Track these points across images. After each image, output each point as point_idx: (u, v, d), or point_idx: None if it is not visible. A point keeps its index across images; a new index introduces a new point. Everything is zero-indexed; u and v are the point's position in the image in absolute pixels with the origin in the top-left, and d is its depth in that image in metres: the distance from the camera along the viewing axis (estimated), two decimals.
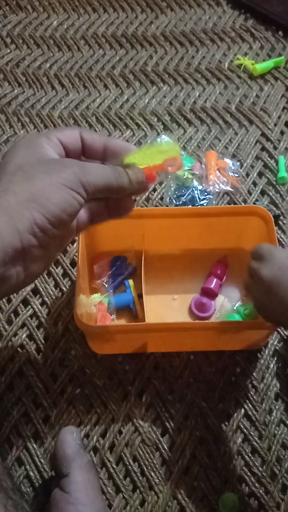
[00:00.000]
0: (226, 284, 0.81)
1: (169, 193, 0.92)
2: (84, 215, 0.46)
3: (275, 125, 1.03)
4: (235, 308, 0.78)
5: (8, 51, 1.15)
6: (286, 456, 0.69)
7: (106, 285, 0.80)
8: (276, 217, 0.89)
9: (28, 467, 0.69)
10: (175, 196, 0.92)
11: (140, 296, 0.77)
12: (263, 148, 0.99)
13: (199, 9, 1.22)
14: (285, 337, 0.77)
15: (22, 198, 0.39)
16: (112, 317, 0.77)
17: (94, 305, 0.77)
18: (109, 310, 0.77)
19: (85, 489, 0.58)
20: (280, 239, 0.87)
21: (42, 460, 0.69)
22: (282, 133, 1.02)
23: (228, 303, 0.79)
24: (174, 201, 0.91)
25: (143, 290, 0.76)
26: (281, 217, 0.89)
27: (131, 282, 0.78)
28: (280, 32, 1.18)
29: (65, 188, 0.41)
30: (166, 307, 0.79)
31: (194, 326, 0.72)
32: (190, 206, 0.90)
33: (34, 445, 0.70)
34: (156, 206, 0.92)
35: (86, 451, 0.65)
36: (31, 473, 0.69)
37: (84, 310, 0.74)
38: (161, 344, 0.75)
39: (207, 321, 0.77)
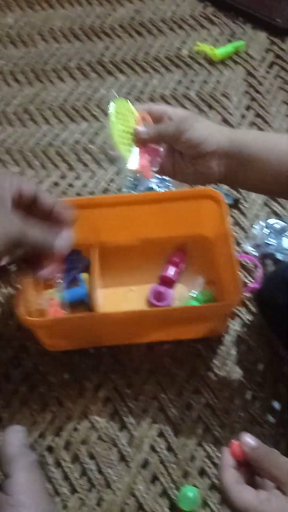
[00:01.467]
0: (186, 271, 0.78)
1: (126, 183, 0.89)
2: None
3: (236, 109, 1.00)
4: (194, 296, 0.75)
5: None
6: None
7: (60, 280, 0.77)
8: (236, 201, 0.87)
9: None
10: (132, 186, 0.89)
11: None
12: None
13: None
14: (248, 322, 0.74)
15: None
16: (64, 313, 0.73)
17: (46, 301, 0.74)
18: (63, 305, 0.74)
19: (29, 491, 0.55)
20: (241, 222, 0.84)
21: None
22: (243, 116, 0.99)
23: (187, 291, 0.76)
24: (132, 191, 0.88)
25: (99, 283, 0.73)
26: (241, 200, 0.87)
27: (84, 275, 0.75)
28: (240, 18, 1.16)
29: None
30: (124, 299, 0.76)
31: (143, 314, 0.69)
32: None
33: None
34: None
35: (31, 451, 0.62)
36: None
37: (34, 307, 0.71)
38: (116, 336, 0.72)
39: (156, 308, 0.73)
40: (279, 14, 1.15)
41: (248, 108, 1.01)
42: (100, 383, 0.71)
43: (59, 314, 0.73)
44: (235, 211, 0.86)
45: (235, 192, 0.88)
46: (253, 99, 1.02)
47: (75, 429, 0.68)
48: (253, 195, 0.88)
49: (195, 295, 0.75)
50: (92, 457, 0.66)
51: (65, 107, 1.01)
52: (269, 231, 0.81)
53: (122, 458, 0.66)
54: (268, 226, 0.82)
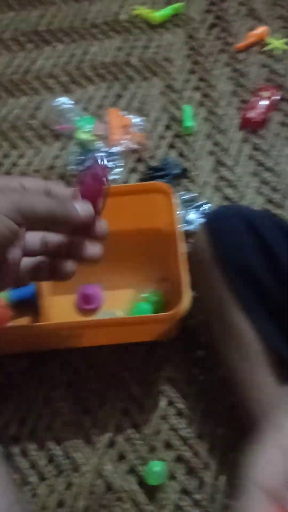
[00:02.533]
0: (138, 269, 0.74)
1: (72, 158, 0.86)
2: (27, 265, 0.42)
3: (179, 73, 0.98)
4: (145, 296, 0.73)
5: None
6: (211, 413, 0.66)
7: None
8: (184, 170, 0.85)
9: None
10: (78, 161, 0.86)
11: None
12: (169, 100, 0.94)
13: None
14: None
15: None
16: (11, 314, 0.71)
17: None
18: (10, 305, 0.71)
19: None
20: (192, 188, 0.83)
21: None
22: (186, 81, 0.97)
23: (137, 294, 0.73)
24: (78, 166, 0.86)
25: (44, 284, 0.70)
26: (189, 169, 0.85)
27: None
28: None
29: None
30: (72, 300, 0.74)
31: (78, 325, 0.66)
32: None
33: None
34: (61, 173, 0.86)
35: None
36: None
37: None
38: (63, 341, 0.69)
39: (101, 319, 0.70)
40: None
41: (191, 72, 0.98)
42: (60, 368, 0.70)
43: (6, 317, 0.70)
44: (185, 180, 0.85)
45: (183, 160, 0.87)
46: (196, 62, 0.99)
47: (39, 416, 0.67)
48: (201, 162, 0.87)
49: (145, 296, 0.73)
50: (58, 442, 0.66)
51: (2, 81, 0.96)
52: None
53: (88, 440, 0.66)
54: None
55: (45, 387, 0.69)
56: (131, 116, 0.91)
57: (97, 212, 0.43)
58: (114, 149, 0.87)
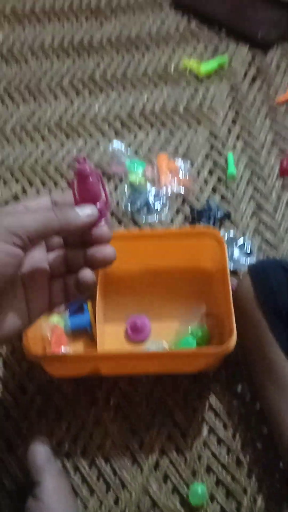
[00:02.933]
0: (184, 303, 0.81)
1: (124, 198, 0.94)
2: (57, 288, 0.44)
3: (223, 123, 1.06)
4: (189, 331, 0.78)
5: None
6: (249, 442, 0.72)
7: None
8: (228, 215, 0.92)
9: (3, 477, 0.71)
10: (130, 201, 0.94)
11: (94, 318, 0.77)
12: (212, 147, 1.02)
13: (142, 14, 1.25)
14: None
15: None
16: (67, 340, 0.77)
17: (49, 328, 0.77)
18: (66, 333, 0.77)
19: (57, 495, 0.60)
20: (233, 234, 0.90)
21: (16, 470, 0.71)
22: (229, 130, 1.05)
23: (185, 325, 0.78)
24: (129, 206, 0.94)
25: (101, 312, 0.76)
26: (232, 213, 0.93)
27: (89, 304, 0.79)
28: (223, 31, 1.21)
29: None
30: (122, 329, 0.80)
31: (137, 356, 0.72)
32: (145, 210, 0.93)
33: (8, 457, 0.72)
34: (112, 211, 0.94)
35: (56, 459, 0.67)
36: (6, 483, 0.70)
37: (38, 332, 0.75)
38: (114, 368, 0.75)
39: (156, 351, 0.75)
40: (259, 28, 1.21)
41: (234, 122, 1.06)
42: (109, 392, 0.76)
43: (61, 341, 0.77)
44: (228, 222, 0.92)
45: (225, 204, 0.94)
46: (238, 113, 1.08)
47: (91, 436, 0.73)
48: (242, 207, 0.94)
49: (190, 330, 0.78)
50: (107, 461, 0.72)
51: (61, 125, 1.06)
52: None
53: (135, 460, 0.72)
54: None
55: (96, 409, 0.75)
56: (178, 161, 0.99)
57: (101, 211, 0.43)
58: (162, 191, 0.95)
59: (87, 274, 0.43)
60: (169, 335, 0.78)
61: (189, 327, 0.78)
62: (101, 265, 0.44)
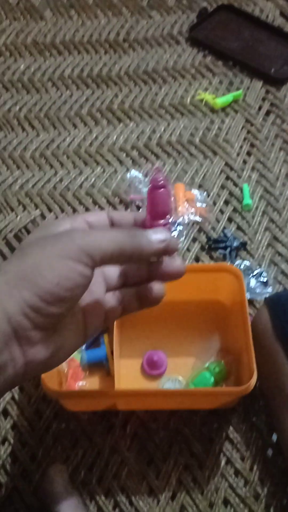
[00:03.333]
0: (201, 338, 0.81)
1: None
2: (113, 302, 0.42)
3: (238, 155, 1.08)
4: (206, 366, 0.78)
5: None
6: (267, 475, 0.71)
7: None
8: (244, 244, 0.93)
9: (17, 506, 0.70)
10: None
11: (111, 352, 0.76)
12: (228, 177, 1.04)
13: (160, 49, 1.29)
14: None
15: (11, 277, 0.35)
16: (84, 374, 0.77)
17: (66, 362, 0.77)
18: (82, 367, 0.77)
19: None
20: (249, 264, 0.91)
21: (31, 499, 0.70)
22: (244, 162, 1.07)
23: (201, 360, 0.79)
24: None
25: (115, 348, 0.75)
26: (248, 243, 0.94)
27: (105, 337, 0.79)
28: (237, 67, 1.25)
29: (62, 259, 0.36)
30: (138, 363, 0.80)
31: (151, 393, 0.72)
32: None
33: (23, 484, 0.71)
34: None
35: (74, 489, 0.66)
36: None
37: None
38: (130, 404, 0.75)
39: (176, 389, 0.75)
40: (273, 64, 1.25)
41: (249, 154, 1.09)
42: (126, 419, 0.76)
43: (78, 375, 0.76)
44: (243, 252, 0.93)
45: (241, 234, 0.95)
46: (252, 145, 1.10)
47: (107, 464, 0.72)
48: (258, 237, 0.95)
49: (207, 366, 0.77)
50: (123, 490, 0.71)
51: (79, 153, 1.08)
52: None
53: (151, 491, 0.71)
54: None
55: (113, 437, 0.74)
56: (194, 190, 1.01)
57: (169, 227, 0.40)
58: (179, 220, 0.96)
59: (158, 287, 0.41)
60: (186, 370, 0.78)
61: (206, 362, 0.78)
62: (172, 278, 0.41)
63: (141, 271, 0.42)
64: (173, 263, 0.41)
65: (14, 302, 0.35)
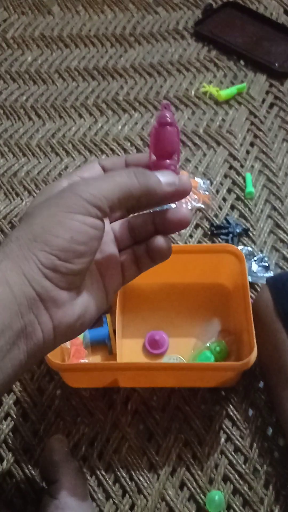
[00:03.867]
0: (202, 319, 0.81)
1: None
2: (127, 259, 0.41)
3: (241, 145, 1.10)
4: (207, 345, 0.78)
5: None
6: (267, 453, 0.72)
7: None
8: (246, 230, 0.94)
9: (19, 479, 0.70)
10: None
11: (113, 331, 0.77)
12: (231, 167, 1.06)
13: (165, 43, 1.31)
14: None
15: (23, 242, 0.35)
16: (86, 352, 0.78)
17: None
18: (84, 345, 0.78)
19: (74, 494, 0.60)
20: (251, 249, 0.92)
21: (32, 472, 0.71)
22: (247, 152, 1.08)
23: (202, 340, 0.79)
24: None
25: (118, 325, 0.77)
26: (250, 229, 0.95)
27: (108, 316, 0.80)
28: (241, 61, 1.27)
29: (69, 214, 0.35)
30: (140, 343, 0.80)
31: (153, 366, 0.73)
32: None
33: (24, 458, 0.72)
34: None
35: (74, 458, 0.67)
36: (22, 485, 0.70)
37: None
38: (131, 381, 0.76)
39: (175, 362, 0.76)
40: (276, 58, 1.26)
41: (252, 144, 1.10)
42: (128, 396, 0.77)
43: (80, 353, 0.77)
44: (246, 238, 0.94)
45: (243, 221, 0.97)
46: (256, 136, 1.11)
47: (108, 440, 0.73)
48: (261, 224, 0.96)
49: (208, 345, 0.78)
50: (123, 465, 0.72)
51: (85, 141, 1.09)
52: None
53: (152, 466, 0.71)
54: None
55: (114, 413, 0.75)
56: (198, 179, 1.02)
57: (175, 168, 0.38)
58: (182, 207, 0.97)
59: (160, 241, 0.40)
60: (187, 350, 0.79)
61: (207, 342, 0.79)
62: (177, 229, 0.41)
63: (148, 226, 0.41)
64: (179, 211, 0.40)
65: (32, 264, 0.35)
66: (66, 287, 0.36)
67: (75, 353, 0.76)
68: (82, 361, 0.77)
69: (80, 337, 0.78)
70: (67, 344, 0.77)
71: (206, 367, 0.70)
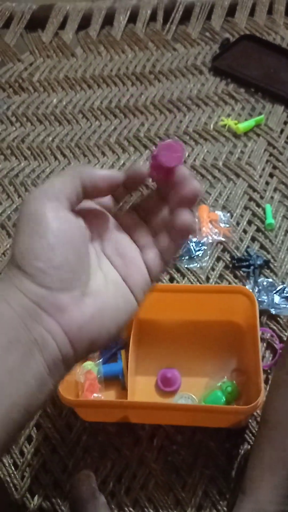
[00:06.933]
0: (214, 358, 0.82)
1: None
2: (150, 254, 0.41)
3: (260, 176, 1.12)
4: (219, 385, 0.79)
5: (14, 128, 1.27)
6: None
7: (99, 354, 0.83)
8: (267, 262, 0.96)
9: None
10: None
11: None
12: (251, 199, 1.08)
13: (184, 79, 1.35)
14: None
15: (11, 261, 0.37)
16: (100, 387, 0.79)
17: (83, 374, 0.80)
18: (98, 380, 0.80)
19: None
20: (272, 280, 0.93)
21: (62, 508, 0.73)
22: (267, 183, 1.10)
23: (214, 379, 0.80)
24: None
25: (131, 364, 0.78)
26: (271, 261, 0.96)
27: (123, 352, 0.82)
28: (259, 93, 1.30)
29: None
30: (153, 380, 0.81)
31: (160, 406, 0.74)
32: (187, 257, 0.98)
33: (54, 493, 0.74)
34: None
35: (101, 493, 0.69)
36: None
37: (73, 378, 0.79)
38: (142, 417, 0.77)
39: (184, 403, 0.77)
40: None
41: (271, 175, 1.12)
42: (153, 432, 0.78)
43: (94, 388, 0.79)
44: (267, 270, 0.96)
45: (264, 253, 0.98)
46: (275, 167, 1.13)
47: (134, 476, 0.75)
48: (281, 255, 0.97)
49: (219, 385, 0.79)
50: (150, 501, 0.73)
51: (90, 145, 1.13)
52: (258, 289, 0.90)
53: (178, 502, 0.72)
54: (259, 285, 0.91)
55: (140, 449, 0.77)
56: (218, 212, 1.04)
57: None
58: (204, 240, 1.00)
59: (184, 214, 0.40)
60: (199, 389, 0.80)
61: (219, 381, 0.79)
62: (190, 202, 0.40)
63: (161, 211, 0.41)
64: (188, 184, 0.39)
65: (22, 278, 0.36)
66: (61, 288, 0.36)
67: (88, 387, 0.78)
68: (96, 395, 0.79)
69: (95, 371, 0.80)
70: (81, 378, 0.79)
71: (212, 410, 0.71)
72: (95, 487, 0.67)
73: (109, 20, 1.51)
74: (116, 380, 0.81)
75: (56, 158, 1.19)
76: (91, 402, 0.74)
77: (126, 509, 0.72)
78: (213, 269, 0.97)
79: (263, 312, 0.88)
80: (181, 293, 0.82)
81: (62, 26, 1.50)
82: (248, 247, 1.00)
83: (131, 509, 0.72)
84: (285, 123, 1.22)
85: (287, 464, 0.59)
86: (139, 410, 0.74)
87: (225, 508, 0.71)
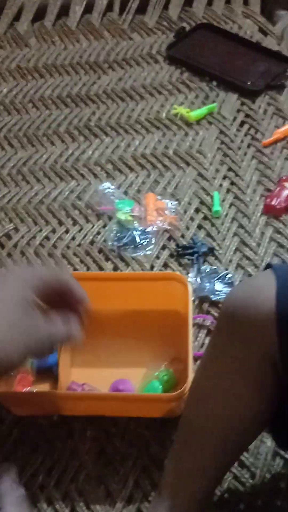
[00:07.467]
0: (154, 347, 0.80)
1: (111, 235, 0.98)
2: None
3: (210, 164, 1.10)
4: (156, 374, 0.78)
5: None
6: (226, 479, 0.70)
7: None
8: (211, 249, 0.94)
9: None
10: (116, 238, 0.97)
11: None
12: (200, 187, 1.06)
13: (138, 67, 1.33)
14: None
15: None
16: (32, 380, 0.77)
17: None
18: (31, 372, 0.77)
19: None
20: (216, 267, 0.91)
21: None
22: (217, 171, 1.09)
23: (150, 371, 0.78)
24: (116, 242, 0.96)
25: (64, 353, 0.76)
26: (216, 248, 0.95)
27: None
28: (213, 82, 1.28)
29: None
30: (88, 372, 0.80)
31: (89, 396, 0.73)
32: (132, 246, 0.95)
33: None
34: (101, 248, 0.97)
35: (20, 486, 0.67)
36: None
37: None
38: (75, 409, 0.75)
39: (105, 393, 0.76)
40: (249, 76, 1.27)
41: (221, 163, 1.10)
42: (87, 424, 0.76)
43: (26, 381, 0.77)
44: (212, 257, 0.94)
45: (210, 240, 0.96)
46: (225, 155, 1.12)
47: (65, 468, 0.72)
48: (227, 243, 0.96)
49: (156, 374, 0.77)
50: (80, 494, 0.71)
51: (55, 168, 1.11)
52: (201, 277, 0.89)
53: (109, 494, 0.70)
54: (201, 272, 0.90)
55: (73, 441, 0.75)
56: (166, 200, 1.03)
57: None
58: (149, 229, 0.98)
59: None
60: (137, 380, 0.78)
61: (157, 371, 0.78)
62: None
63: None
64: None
65: None
66: None
67: (20, 380, 0.76)
68: (28, 389, 0.76)
69: (28, 364, 0.78)
70: None
71: (138, 399, 0.70)
72: (15, 479, 0.65)
73: (65, 10, 1.48)
74: (50, 373, 0.78)
75: (2, 148, 1.16)
76: (19, 395, 0.72)
77: (55, 502, 0.70)
78: (158, 257, 0.95)
79: (204, 299, 0.87)
80: (115, 281, 0.80)
81: (18, 17, 1.47)
82: (194, 235, 0.98)
83: (60, 502, 0.70)
84: (238, 111, 1.21)
85: (206, 473, 0.57)
86: (68, 401, 0.71)
87: None
